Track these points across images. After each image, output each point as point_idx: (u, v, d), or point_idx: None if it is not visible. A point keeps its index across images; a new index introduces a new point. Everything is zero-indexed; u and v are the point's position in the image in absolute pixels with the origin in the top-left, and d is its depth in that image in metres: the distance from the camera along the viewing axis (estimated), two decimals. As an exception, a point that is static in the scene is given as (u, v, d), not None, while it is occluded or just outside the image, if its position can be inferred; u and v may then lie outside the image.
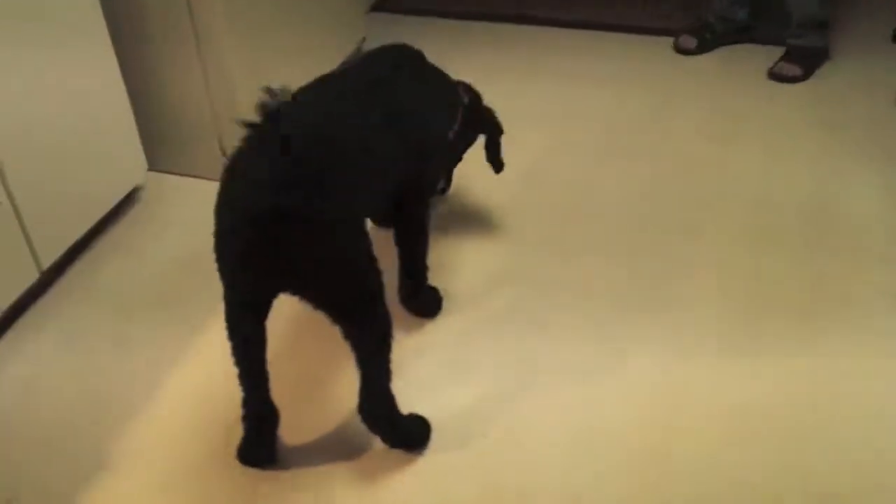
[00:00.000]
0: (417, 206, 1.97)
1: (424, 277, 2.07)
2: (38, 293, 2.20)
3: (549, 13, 3.45)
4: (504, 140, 2.26)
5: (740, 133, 2.73)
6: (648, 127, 2.79)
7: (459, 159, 2.27)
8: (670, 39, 3.20)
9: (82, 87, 2.17)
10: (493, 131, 2.23)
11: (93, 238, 2.37)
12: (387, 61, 1.92)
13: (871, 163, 2.55)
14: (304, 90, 1.70)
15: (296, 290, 1.53)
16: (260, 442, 1.72)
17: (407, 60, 1.97)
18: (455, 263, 2.24)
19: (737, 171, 2.56)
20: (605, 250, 2.27)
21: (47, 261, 2.13)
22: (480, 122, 2.19)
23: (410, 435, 1.75)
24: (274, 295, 1.58)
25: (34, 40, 2.00)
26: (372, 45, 2.45)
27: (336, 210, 1.46)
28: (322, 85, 1.75)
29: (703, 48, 3.13)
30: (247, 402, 1.68)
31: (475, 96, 2.18)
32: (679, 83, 3.00)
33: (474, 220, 2.40)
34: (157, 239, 2.38)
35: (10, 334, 2.09)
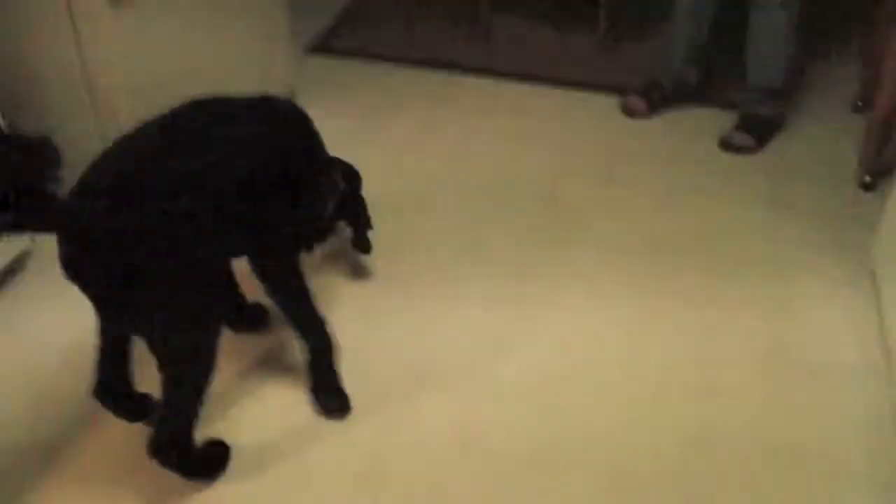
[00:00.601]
0: (273, 268, 1.83)
1: (320, 351, 1.89)
2: None
3: (490, 63, 3.21)
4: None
5: (687, 207, 2.51)
6: (588, 195, 2.56)
7: (325, 237, 2.09)
8: (617, 98, 2.98)
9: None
10: (364, 225, 2.20)
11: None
12: (259, 114, 1.75)
13: (824, 252, 2.34)
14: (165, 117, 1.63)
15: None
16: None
17: (282, 122, 1.79)
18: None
19: (683, 247, 2.35)
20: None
21: None
22: (354, 211, 2.15)
23: (203, 465, 1.74)
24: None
25: None
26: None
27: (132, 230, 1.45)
28: (179, 115, 1.64)
29: (652, 110, 2.91)
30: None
31: (355, 183, 2.13)
32: (624, 148, 2.78)
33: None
34: (38, 318, 2.11)
35: None
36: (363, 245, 2.21)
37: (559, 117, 2.93)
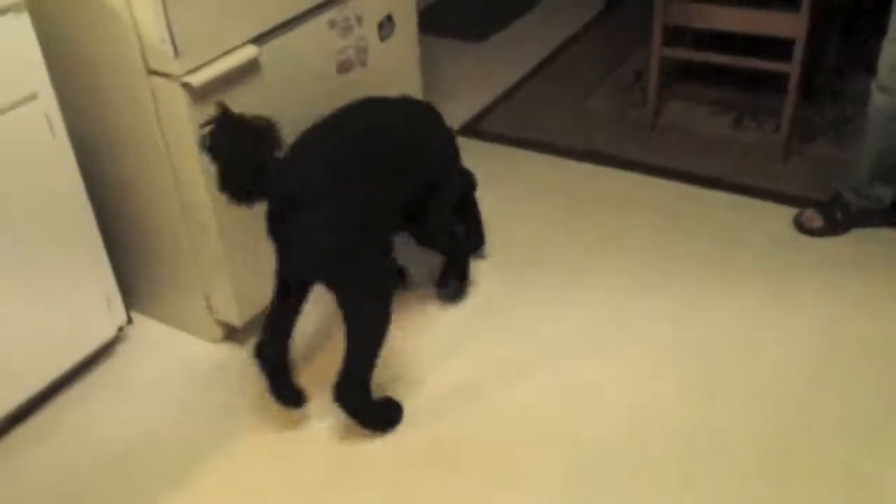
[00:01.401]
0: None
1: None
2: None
3: (648, 156, 2.90)
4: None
5: (871, 365, 2.07)
6: (738, 336, 2.18)
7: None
8: (793, 210, 2.58)
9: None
10: (477, 223, 2.46)
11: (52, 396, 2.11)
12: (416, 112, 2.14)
13: None
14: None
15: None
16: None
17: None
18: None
19: (840, 420, 1.92)
20: None
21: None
22: (470, 211, 2.42)
23: (379, 418, 1.95)
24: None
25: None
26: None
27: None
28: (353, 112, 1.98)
29: (830, 229, 2.49)
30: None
31: (471, 185, 2.38)
32: (793, 275, 2.36)
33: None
34: (105, 415, 2.06)
35: None
36: (477, 240, 2.46)
37: (715, 224, 2.57)
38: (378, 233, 1.86)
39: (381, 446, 1.93)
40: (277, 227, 1.76)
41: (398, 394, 2.02)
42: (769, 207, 2.63)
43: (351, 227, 1.76)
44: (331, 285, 1.81)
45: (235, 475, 1.89)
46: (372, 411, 1.94)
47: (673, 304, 2.29)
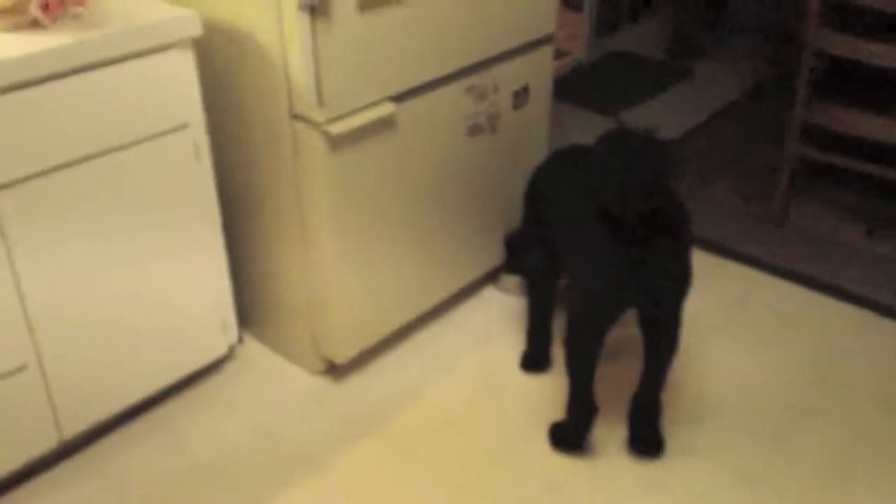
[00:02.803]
0: None
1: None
2: (52, 462, 2.05)
3: (766, 255, 2.83)
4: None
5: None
6: (833, 452, 2.09)
7: None
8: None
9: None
10: None
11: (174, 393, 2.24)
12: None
13: None
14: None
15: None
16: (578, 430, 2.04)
17: None
18: None
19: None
20: None
21: (70, 431, 1.99)
22: None
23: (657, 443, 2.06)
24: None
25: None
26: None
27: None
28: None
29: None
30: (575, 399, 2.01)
31: None
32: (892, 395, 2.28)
33: None
34: (204, 429, 2.16)
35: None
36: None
37: (829, 335, 2.49)
38: None
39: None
40: (633, 251, 1.77)
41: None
42: (892, 326, 2.53)
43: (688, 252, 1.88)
44: (670, 313, 1.90)
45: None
46: (661, 435, 2.08)
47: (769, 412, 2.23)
